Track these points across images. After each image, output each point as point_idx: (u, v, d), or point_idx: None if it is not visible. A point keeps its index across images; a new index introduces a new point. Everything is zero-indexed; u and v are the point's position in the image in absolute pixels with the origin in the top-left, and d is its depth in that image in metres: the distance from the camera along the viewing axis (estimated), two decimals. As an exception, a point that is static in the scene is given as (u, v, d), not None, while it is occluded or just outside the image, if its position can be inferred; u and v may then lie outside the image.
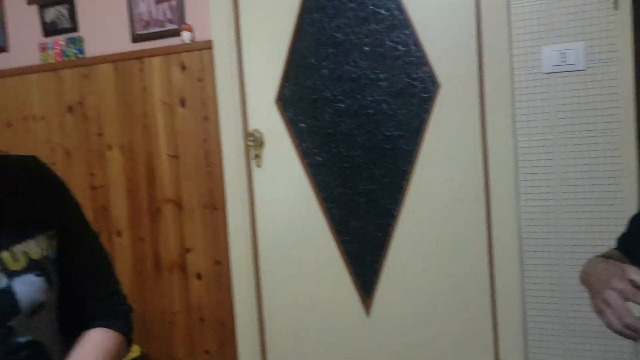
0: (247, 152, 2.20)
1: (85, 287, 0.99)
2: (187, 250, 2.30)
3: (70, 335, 0.97)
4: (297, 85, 2.11)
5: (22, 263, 0.87)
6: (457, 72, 1.89)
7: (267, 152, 2.19)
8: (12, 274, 0.85)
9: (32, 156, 1.00)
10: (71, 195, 1.02)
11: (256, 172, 2.21)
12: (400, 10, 1.94)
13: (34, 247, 0.90)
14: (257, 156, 2.19)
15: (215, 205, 2.24)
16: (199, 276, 2.29)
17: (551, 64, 1.74)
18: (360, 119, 2.02)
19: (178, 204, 2.30)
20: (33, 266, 0.88)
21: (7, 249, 0.86)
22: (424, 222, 1.98)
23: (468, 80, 1.88)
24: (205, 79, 2.21)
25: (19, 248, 0.87)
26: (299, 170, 2.14)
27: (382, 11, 1.96)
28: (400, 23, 1.94)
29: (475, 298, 1.93)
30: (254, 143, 2.16)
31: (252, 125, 2.19)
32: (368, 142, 2.02)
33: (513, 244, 1.83)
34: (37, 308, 0.87)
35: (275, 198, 2.19)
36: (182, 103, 2.26)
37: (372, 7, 1.97)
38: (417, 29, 1.92)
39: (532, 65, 1.77)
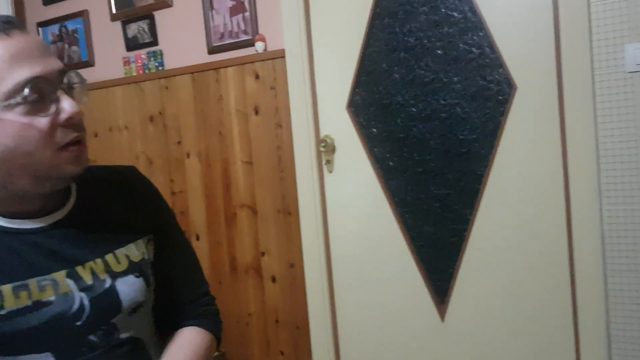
0: (319, 158, 2.24)
1: (178, 289, 1.05)
2: (262, 254, 2.37)
3: (162, 332, 1.04)
4: (368, 91, 2.13)
5: (123, 265, 0.92)
6: (534, 74, 1.85)
7: (338, 157, 2.22)
8: (115, 275, 0.91)
9: (132, 166, 1.08)
10: (166, 203, 1.08)
11: (328, 178, 2.24)
12: (474, 12, 1.91)
13: (134, 250, 0.96)
14: (329, 162, 2.22)
15: (288, 209, 2.30)
16: (273, 279, 2.35)
17: (635, 62, 1.67)
18: (433, 123, 2.01)
19: (253, 209, 2.37)
20: (133, 268, 0.94)
21: (111, 252, 0.92)
22: (500, 227, 1.94)
23: (546, 82, 1.83)
24: (277, 87, 2.27)
25: (121, 251, 0.93)
26: (371, 175, 2.15)
27: (455, 14, 1.94)
28: (474, 25, 1.92)
29: (555, 305, 1.87)
30: (325, 149, 2.20)
31: (324, 131, 2.23)
32: (441, 146, 2.01)
33: (595, 249, 1.77)
34: (136, 307, 0.93)
35: (347, 203, 2.21)
36: (256, 111, 2.32)
37: (444, 10, 1.96)
38: (491, 31, 1.89)
39: (615, 64, 1.70)
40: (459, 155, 1.98)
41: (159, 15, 2.53)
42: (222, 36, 2.38)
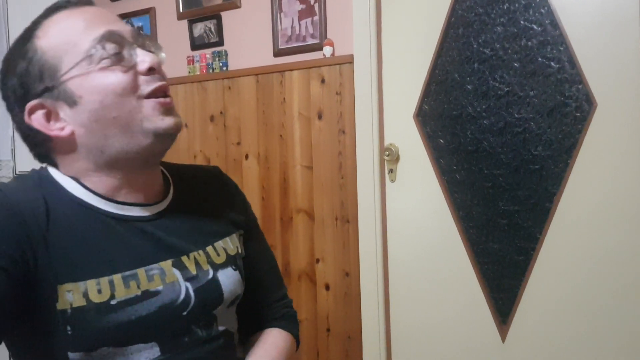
0: (382, 166, 2.20)
1: (261, 288, 1.05)
2: (317, 261, 2.33)
3: (240, 328, 1.02)
4: (437, 101, 2.08)
5: (222, 257, 0.92)
6: (616, 91, 1.78)
7: (402, 167, 2.17)
8: (216, 267, 0.90)
9: (217, 166, 1.10)
10: (250, 204, 1.09)
11: (390, 187, 2.20)
12: (555, 25, 1.86)
13: (230, 244, 0.96)
14: (392, 171, 2.18)
15: (346, 217, 2.26)
16: (327, 287, 2.31)
17: None
18: (505, 137, 1.95)
19: (310, 214, 2.34)
20: (230, 261, 0.93)
21: (211, 244, 0.92)
22: (572, 248, 1.86)
23: (629, 100, 1.76)
24: (343, 92, 2.24)
25: (219, 244, 0.93)
26: (435, 187, 2.10)
27: (535, 26, 1.89)
28: (554, 39, 1.86)
29: (629, 335, 1.78)
30: (389, 157, 2.16)
31: (389, 139, 2.19)
32: (513, 161, 1.95)
33: (677, 278, 1.68)
34: (234, 299, 0.93)
35: (408, 214, 2.16)
36: (320, 116, 2.30)
37: (523, 23, 1.91)
38: (572, 45, 1.83)
39: None
40: (531, 171, 1.92)
41: (226, 15, 2.54)
42: (289, 39, 2.37)
